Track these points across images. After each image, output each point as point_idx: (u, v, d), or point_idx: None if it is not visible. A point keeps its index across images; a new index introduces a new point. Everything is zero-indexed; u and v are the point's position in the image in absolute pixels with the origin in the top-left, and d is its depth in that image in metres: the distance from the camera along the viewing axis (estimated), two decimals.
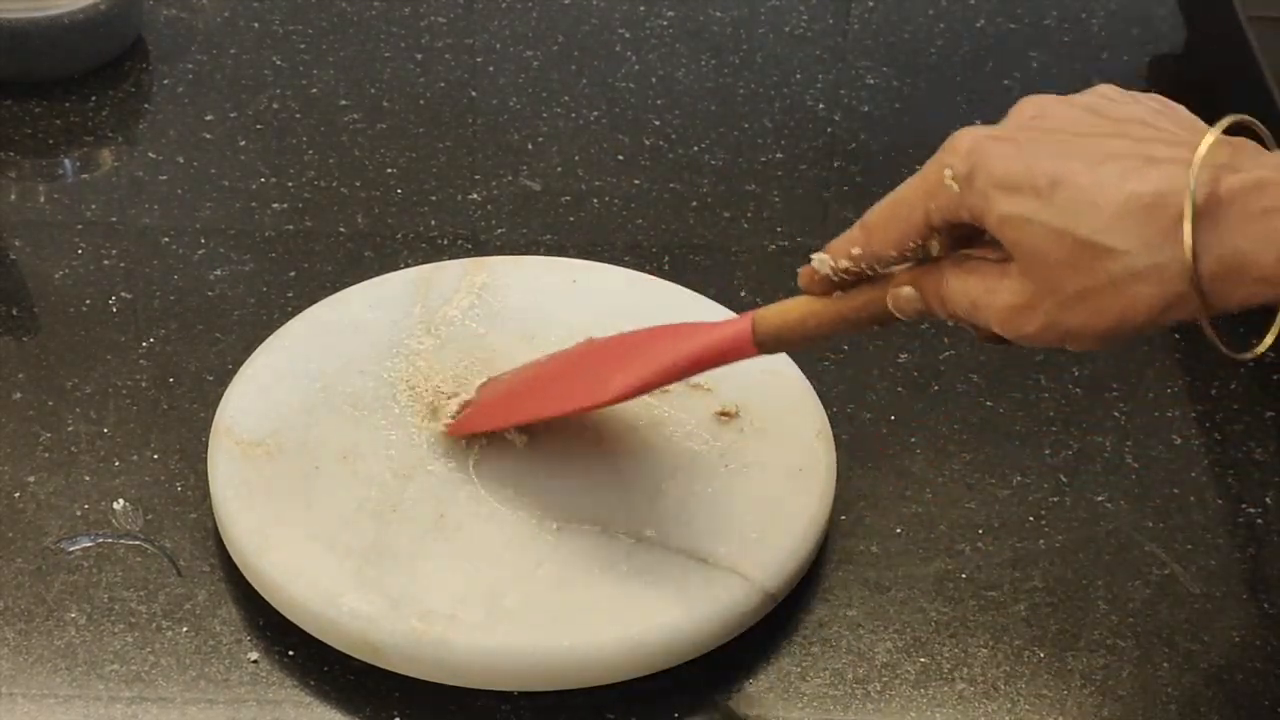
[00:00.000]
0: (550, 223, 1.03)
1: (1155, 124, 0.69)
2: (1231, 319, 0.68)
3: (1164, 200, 0.65)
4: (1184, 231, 0.64)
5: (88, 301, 0.96)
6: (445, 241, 1.01)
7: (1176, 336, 0.97)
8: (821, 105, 1.13)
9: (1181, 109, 0.71)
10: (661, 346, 0.79)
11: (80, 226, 1.01)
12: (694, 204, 1.04)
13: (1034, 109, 0.71)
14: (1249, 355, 0.70)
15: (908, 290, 0.72)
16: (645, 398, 0.86)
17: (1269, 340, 0.70)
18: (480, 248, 1.00)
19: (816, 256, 0.73)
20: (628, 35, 1.17)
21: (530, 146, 1.08)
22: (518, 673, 0.76)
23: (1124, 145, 0.67)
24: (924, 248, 0.71)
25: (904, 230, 0.71)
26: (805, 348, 0.81)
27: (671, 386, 0.86)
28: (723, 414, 0.85)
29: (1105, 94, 0.72)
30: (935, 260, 0.72)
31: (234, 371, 0.88)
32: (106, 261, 0.98)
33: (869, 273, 0.73)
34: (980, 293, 0.70)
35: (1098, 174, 0.66)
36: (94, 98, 1.10)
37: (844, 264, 0.73)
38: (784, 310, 0.75)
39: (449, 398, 0.85)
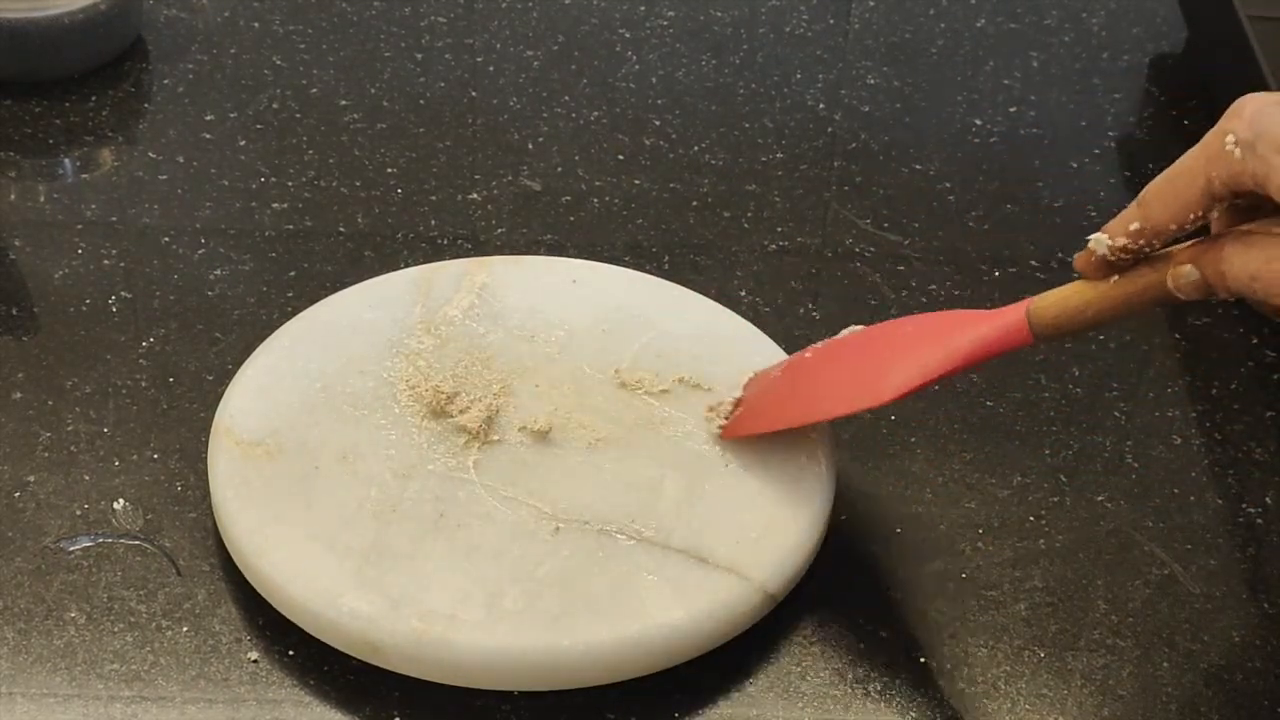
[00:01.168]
0: (550, 223, 1.03)
1: None
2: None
3: None
4: None
5: (88, 301, 0.96)
6: (445, 241, 1.01)
7: (1177, 336, 0.97)
8: (821, 105, 1.13)
9: None
10: (934, 339, 0.79)
11: (80, 226, 1.01)
12: (694, 204, 1.04)
13: None
14: None
15: (1188, 268, 0.72)
16: (645, 397, 0.86)
17: None
18: (480, 248, 1.00)
19: (1094, 237, 0.73)
20: (628, 35, 1.17)
21: (530, 146, 1.08)
22: (518, 673, 0.76)
23: None
24: (1204, 219, 0.71)
25: (1184, 202, 0.71)
26: (1083, 333, 0.80)
27: (670, 387, 0.86)
28: (711, 411, 0.85)
29: None
30: (1216, 236, 0.71)
31: (234, 371, 0.88)
32: (106, 261, 0.98)
33: (1147, 250, 0.72)
34: (1261, 264, 0.70)
35: None
36: (94, 98, 1.10)
37: (1121, 242, 0.72)
38: (1063, 298, 0.75)
39: (450, 399, 0.85)
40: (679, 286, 0.94)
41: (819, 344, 0.85)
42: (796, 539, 0.81)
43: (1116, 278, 0.74)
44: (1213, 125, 0.69)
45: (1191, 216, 0.71)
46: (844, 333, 0.84)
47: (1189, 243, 0.73)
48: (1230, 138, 0.69)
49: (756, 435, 0.84)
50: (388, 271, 0.95)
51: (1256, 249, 0.70)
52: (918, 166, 1.08)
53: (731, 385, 0.86)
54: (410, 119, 1.10)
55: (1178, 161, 0.72)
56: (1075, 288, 0.75)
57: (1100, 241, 0.73)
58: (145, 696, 0.77)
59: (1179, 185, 0.71)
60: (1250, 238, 0.70)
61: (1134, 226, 0.72)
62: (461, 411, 0.84)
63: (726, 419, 0.85)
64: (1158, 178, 0.72)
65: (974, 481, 0.88)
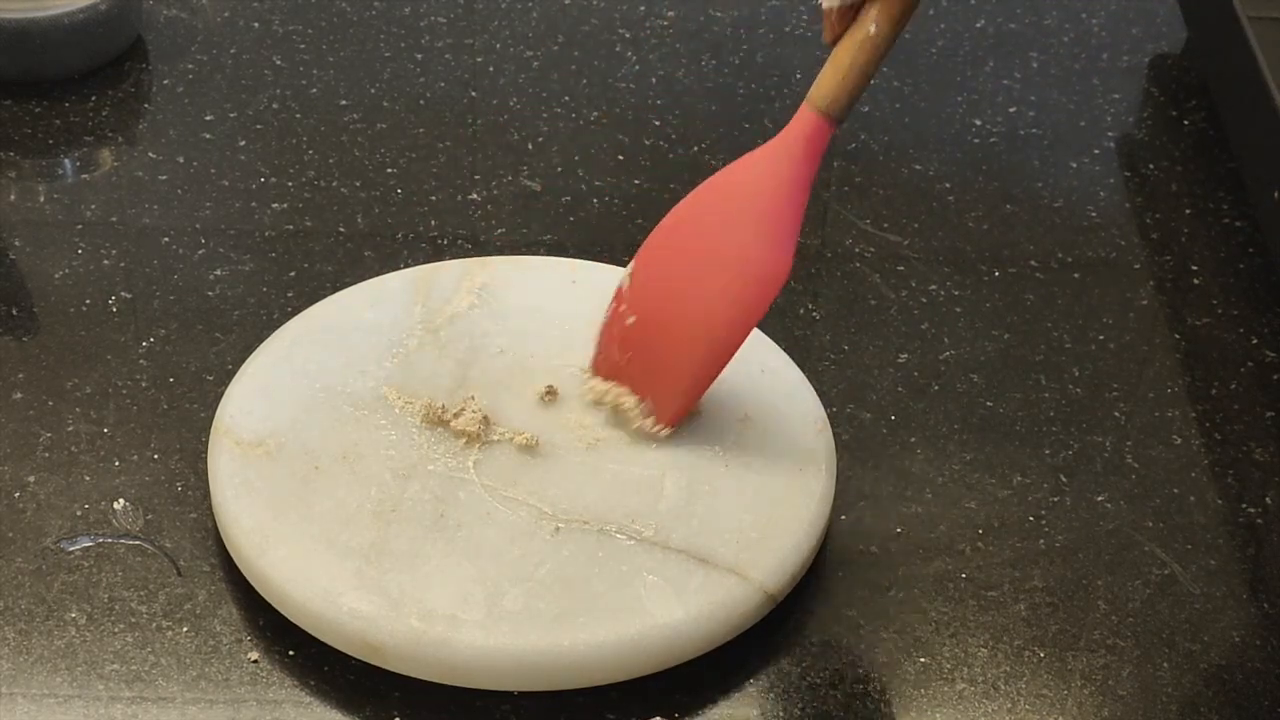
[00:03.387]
0: (550, 223, 1.03)
1: None
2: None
3: None
4: None
5: (88, 301, 0.96)
6: (445, 241, 1.01)
7: (1177, 336, 0.97)
8: None
9: None
10: (749, 194, 0.81)
11: (80, 226, 1.01)
12: None
13: None
14: None
15: None
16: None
17: None
18: (480, 248, 1.00)
19: (823, 4, 0.78)
20: (628, 35, 1.17)
21: (530, 146, 1.08)
22: (518, 673, 0.76)
23: None
24: None
25: None
26: (863, 90, 0.82)
27: None
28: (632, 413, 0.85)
29: None
30: None
31: (234, 371, 0.88)
32: (106, 261, 0.98)
33: None
34: None
35: None
36: (94, 98, 1.10)
37: None
38: (835, 71, 0.80)
39: (444, 409, 0.85)
40: None
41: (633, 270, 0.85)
42: (796, 539, 0.81)
43: (856, 27, 0.78)
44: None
45: None
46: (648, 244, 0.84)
47: None
48: None
49: (755, 436, 0.84)
50: (388, 271, 0.95)
51: None
52: (918, 166, 1.08)
53: (731, 385, 0.86)
54: (410, 119, 1.10)
55: None
56: (835, 61, 0.79)
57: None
58: (146, 697, 0.77)
59: None
60: None
61: None
62: (456, 415, 0.84)
63: (651, 415, 0.84)
64: None
65: (974, 481, 0.88)
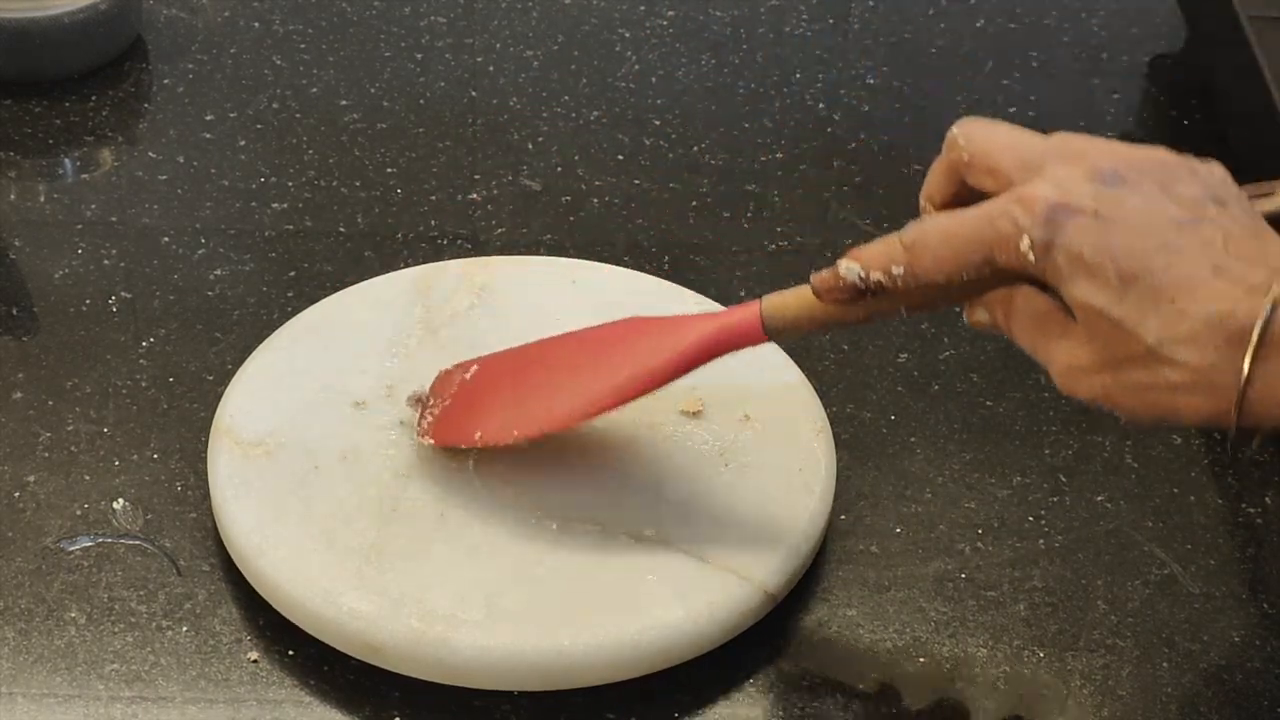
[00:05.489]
0: (550, 223, 1.03)
1: (1225, 220, 0.69)
2: None
3: (1232, 322, 0.66)
4: (1245, 358, 0.66)
5: (88, 301, 0.96)
6: (445, 241, 1.01)
7: None
8: (821, 105, 1.13)
9: (1242, 195, 0.71)
10: (665, 338, 0.78)
11: (80, 226, 1.01)
12: (694, 204, 1.04)
13: (1109, 163, 0.69)
14: (1251, 451, 0.72)
15: (983, 313, 0.73)
16: (645, 397, 0.86)
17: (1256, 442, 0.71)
18: (480, 248, 1.00)
19: (844, 265, 0.72)
20: (628, 35, 1.17)
21: (530, 146, 1.08)
22: (518, 673, 0.76)
23: (1197, 246, 0.67)
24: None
25: (959, 266, 0.70)
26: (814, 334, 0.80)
27: (670, 386, 0.86)
28: (691, 412, 0.85)
29: (1167, 163, 0.71)
30: (1011, 289, 0.72)
31: (234, 371, 0.88)
32: (106, 261, 0.98)
33: (899, 287, 0.72)
34: (1043, 342, 0.71)
35: (1174, 278, 0.66)
36: (94, 98, 1.10)
37: (877, 278, 0.72)
38: (799, 303, 0.75)
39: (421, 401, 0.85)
40: (679, 286, 0.94)
41: (515, 348, 0.84)
42: (796, 539, 0.81)
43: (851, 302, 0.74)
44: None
45: (963, 278, 0.71)
46: (542, 339, 0.84)
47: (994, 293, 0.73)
48: (1025, 241, 0.68)
49: (755, 436, 0.84)
50: (388, 271, 0.95)
51: (1040, 324, 0.71)
52: (918, 166, 1.08)
53: (732, 385, 0.86)
54: (410, 119, 1.10)
55: (960, 220, 0.70)
56: (810, 299, 0.74)
57: (852, 270, 0.72)
58: (145, 697, 0.77)
59: (958, 250, 0.70)
60: (1039, 308, 0.71)
61: (896, 270, 0.71)
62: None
63: (420, 423, 0.83)
64: (932, 229, 0.71)
65: (974, 481, 0.88)
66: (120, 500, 0.85)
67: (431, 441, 0.82)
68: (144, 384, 0.91)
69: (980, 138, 0.72)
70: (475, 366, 0.84)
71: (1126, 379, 0.68)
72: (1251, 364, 0.66)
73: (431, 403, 0.84)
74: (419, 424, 0.83)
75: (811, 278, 0.74)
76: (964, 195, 0.73)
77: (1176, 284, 0.66)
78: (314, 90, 1.11)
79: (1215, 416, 0.67)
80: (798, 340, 0.94)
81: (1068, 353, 0.70)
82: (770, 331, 0.76)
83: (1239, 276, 0.67)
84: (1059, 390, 0.71)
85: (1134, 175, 0.69)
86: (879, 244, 0.72)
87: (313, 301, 0.92)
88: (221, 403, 0.86)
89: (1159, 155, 0.71)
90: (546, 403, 0.81)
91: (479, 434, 0.81)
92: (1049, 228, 0.68)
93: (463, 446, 0.82)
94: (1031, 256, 0.68)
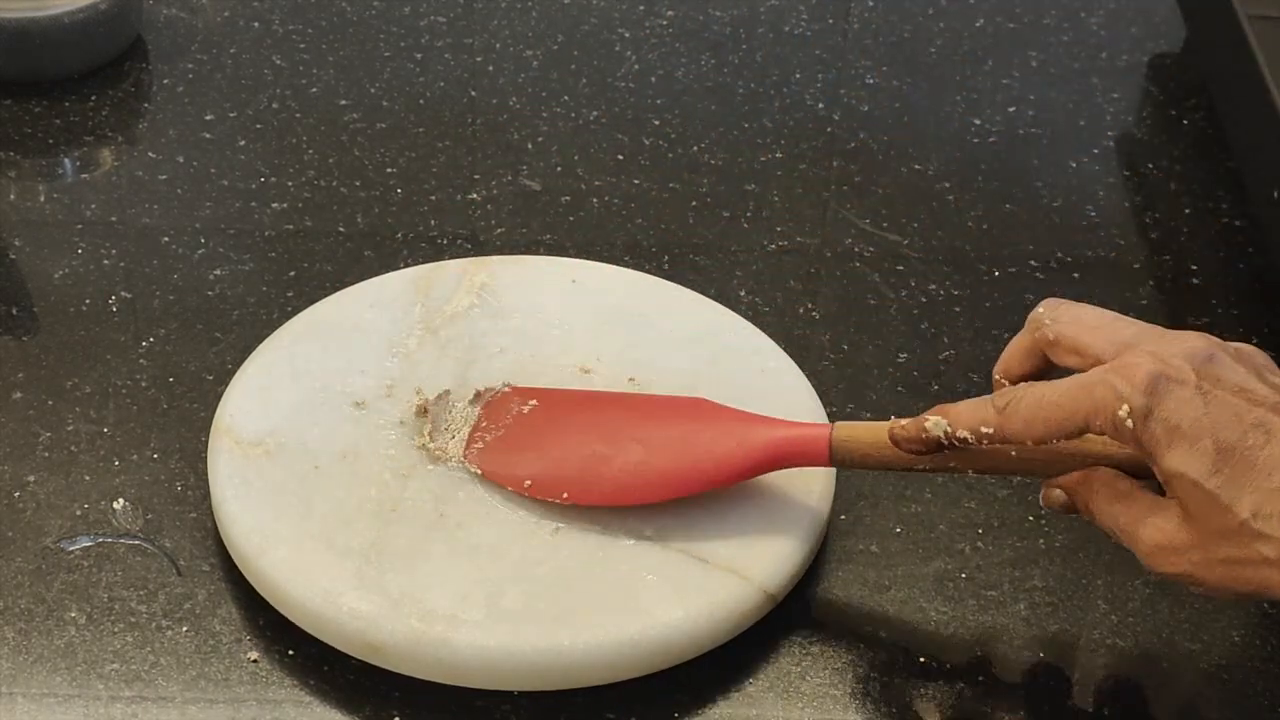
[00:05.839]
0: (550, 223, 1.03)
1: None
2: None
3: None
4: None
5: (88, 301, 0.96)
6: (445, 241, 1.01)
7: None
8: (821, 105, 1.13)
9: None
10: (727, 434, 0.80)
11: (80, 226, 1.01)
12: (694, 204, 1.04)
13: (1205, 349, 0.71)
14: None
15: (1059, 493, 0.75)
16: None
17: None
18: (480, 248, 1.00)
19: (932, 420, 0.74)
20: (628, 35, 1.17)
21: (530, 146, 1.08)
22: (518, 673, 0.76)
23: None
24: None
25: (1054, 431, 0.71)
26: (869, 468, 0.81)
27: (670, 387, 0.86)
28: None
29: (1258, 353, 0.73)
30: (1091, 470, 0.73)
31: (234, 371, 0.88)
32: (106, 261, 0.98)
33: (983, 446, 0.73)
34: (1128, 521, 0.72)
35: (1270, 455, 0.68)
36: (94, 98, 1.10)
37: (964, 435, 0.73)
38: (872, 443, 0.77)
39: (434, 399, 0.85)
40: (678, 286, 0.94)
41: (585, 391, 0.85)
42: (796, 539, 0.81)
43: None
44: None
45: (1053, 442, 0.72)
46: (627, 392, 0.84)
47: (1069, 476, 0.74)
48: (1125, 408, 0.69)
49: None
50: (388, 271, 0.95)
51: (1126, 504, 0.72)
52: (917, 166, 1.08)
53: (731, 385, 0.86)
54: (410, 119, 1.10)
55: (1055, 387, 0.72)
56: (884, 439, 0.76)
57: (939, 426, 0.74)
58: (145, 697, 0.77)
59: (1053, 417, 0.71)
60: (1123, 486, 0.72)
61: (985, 430, 0.73)
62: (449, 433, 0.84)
63: (469, 449, 0.83)
64: (1029, 397, 0.72)
65: (974, 481, 0.88)
66: (120, 500, 0.85)
67: (479, 471, 0.82)
68: (144, 384, 0.91)
69: (1068, 319, 0.74)
70: (534, 401, 0.84)
71: (1217, 554, 0.69)
72: None
73: (485, 424, 0.84)
74: (467, 449, 0.83)
75: (892, 424, 0.75)
76: (1042, 374, 0.75)
77: (1273, 461, 0.68)
78: (314, 90, 1.11)
79: None
80: (797, 340, 0.94)
81: (1157, 530, 0.70)
82: (836, 459, 0.78)
83: None
84: (1145, 566, 0.72)
85: (1228, 360, 0.71)
86: (969, 404, 0.74)
87: (313, 301, 0.92)
88: (221, 403, 0.86)
89: (1250, 346, 0.73)
90: (601, 471, 0.81)
91: (529, 483, 0.81)
92: (1150, 397, 0.69)
93: (508, 488, 0.81)
94: (1130, 423, 0.69)
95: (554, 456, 0.82)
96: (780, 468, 0.80)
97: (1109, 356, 0.72)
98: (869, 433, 0.77)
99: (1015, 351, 0.77)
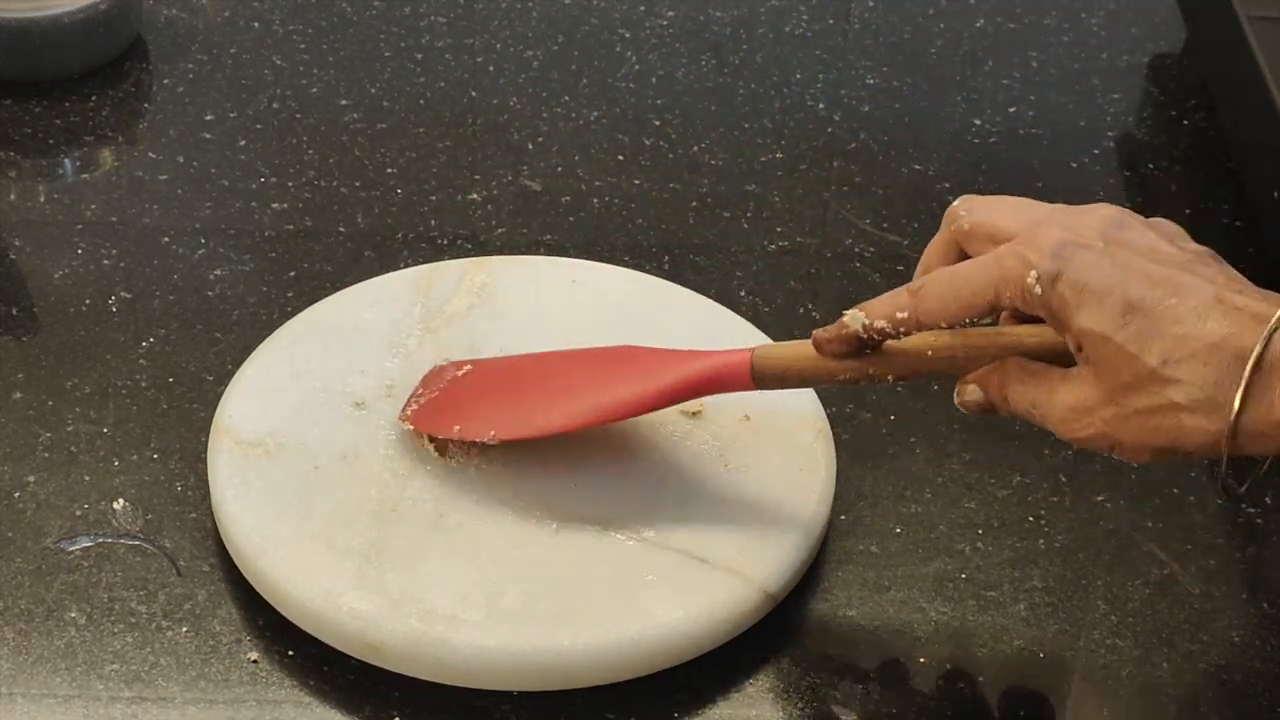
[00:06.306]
0: (550, 223, 1.03)
1: (1218, 269, 0.72)
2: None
3: (1231, 345, 0.68)
4: (1241, 379, 0.68)
5: (88, 301, 0.96)
6: (445, 241, 1.01)
7: None
8: (821, 105, 1.13)
9: (1227, 266, 0.74)
10: (650, 368, 0.80)
11: (80, 226, 1.01)
12: (694, 204, 1.04)
13: (1115, 217, 0.73)
14: (1239, 492, 0.73)
15: (973, 388, 0.75)
16: None
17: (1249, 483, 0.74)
18: (480, 248, 1.00)
19: (849, 314, 0.74)
20: (628, 35, 1.17)
21: (530, 146, 1.08)
22: (518, 673, 0.76)
23: (1198, 283, 0.70)
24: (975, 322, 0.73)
25: (965, 308, 0.72)
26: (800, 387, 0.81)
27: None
28: (691, 413, 0.85)
29: (1168, 229, 0.74)
30: (1001, 362, 0.74)
31: (234, 371, 0.88)
32: (106, 261, 0.98)
33: (901, 334, 0.74)
34: (1040, 394, 0.72)
35: (1177, 306, 0.69)
36: (94, 98, 1.10)
37: (881, 325, 0.73)
38: (791, 349, 0.77)
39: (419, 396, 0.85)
40: (679, 286, 0.94)
41: (517, 356, 0.86)
42: (796, 539, 0.81)
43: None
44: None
45: (967, 320, 0.73)
46: (548, 352, 0.85)
47: (979, 370, 0.74)
48: (1033, 274, 0.70)
49: (755, 436, 0.84)
50: (388, 271, 0.95)
51: (1037, 380, 0.72)
52: (917, 166, 1.08)
53: None
54: (410, 119, 1.10)
55: (967, 265, 0.73)
56: (803, 354, 0.76)
57: (856, 318, 0.74)
58: (145, 697, 0.77)
59: (963, 292, 0.72)
60: (1033, 366, 0.73)
61: (901, 315, 0.73)
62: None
63: (404, 410, 0.84)
64: (938, 277, 0.73)
65: (974, 481, 0.88)
66: (120, 500, 0.85)
67: (410, 426, 0.83)
68: (144, 384, 0.91)
69: (983, 207, 0.75)
70: (469, 367, 0.85)
71: (1129, 406, 0.70)
72: (1248, 383, 0.67)
73: (419, 392, 0.85)
74: (403, 410, 0.84)
75: (814, 331, 0.75)
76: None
77: (1180, 312, 0.69)
78: (314, 90, 1.11)
79: (1214, 439, 0.69)
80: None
81: (1069, 394, 0.71)
82: (757, 379, 0.77)
83: (1241, 306, 0.69)
84: (1060, 436, 0.72)
85: (1138, 225, 0.72)
86: (885, 295, 0.74)
87: (313, 301, 0.92)
88: (221, 403, 0.86)
89: (1164, 219, 0.74)
90: (530, 411, 0.82)
91: (458, 428, 0.82)
92: (1056, 261, 0.70)
93: (439, 436, 0.82)
94: (1038, 290, 0.70)
95: (486, 405, 0.83)
96: (705, 393, 0.79)
97: (1024, 234, 0.72)
98: (789, 350, 0.77)
99: (933, 249, 0.77)
